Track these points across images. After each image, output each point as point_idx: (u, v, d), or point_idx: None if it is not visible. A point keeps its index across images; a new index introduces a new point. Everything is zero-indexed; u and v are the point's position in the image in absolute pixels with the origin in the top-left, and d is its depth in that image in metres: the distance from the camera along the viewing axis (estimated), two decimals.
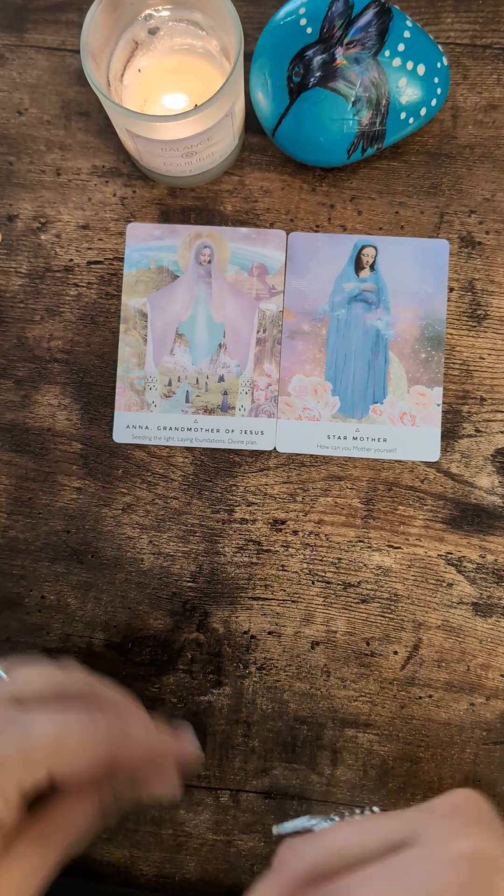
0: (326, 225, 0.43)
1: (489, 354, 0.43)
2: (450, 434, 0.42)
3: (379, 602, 0.42)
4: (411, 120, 0.41)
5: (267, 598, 0.42)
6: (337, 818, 0.30)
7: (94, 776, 0.29)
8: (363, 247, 0.43)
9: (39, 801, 0.29)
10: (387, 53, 0.39)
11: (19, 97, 0.44)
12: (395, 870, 0.24)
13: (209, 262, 0.43)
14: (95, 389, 0.43)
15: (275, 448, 0.43)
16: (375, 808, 0.32)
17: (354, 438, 0.42)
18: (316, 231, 0.43)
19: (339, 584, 0.42)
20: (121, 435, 0.43)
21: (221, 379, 0.43)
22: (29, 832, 0.28)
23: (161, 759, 0.32)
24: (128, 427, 0.43)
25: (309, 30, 0.38)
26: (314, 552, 0.42)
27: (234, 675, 0.42)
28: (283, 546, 0.42)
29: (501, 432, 0.42)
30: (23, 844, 0.28)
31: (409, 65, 0.39)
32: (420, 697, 0.41)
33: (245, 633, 0.42)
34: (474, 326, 0.43)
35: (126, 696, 0.33)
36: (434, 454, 0.42)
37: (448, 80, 0.41)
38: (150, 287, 0.43)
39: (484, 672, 0.41)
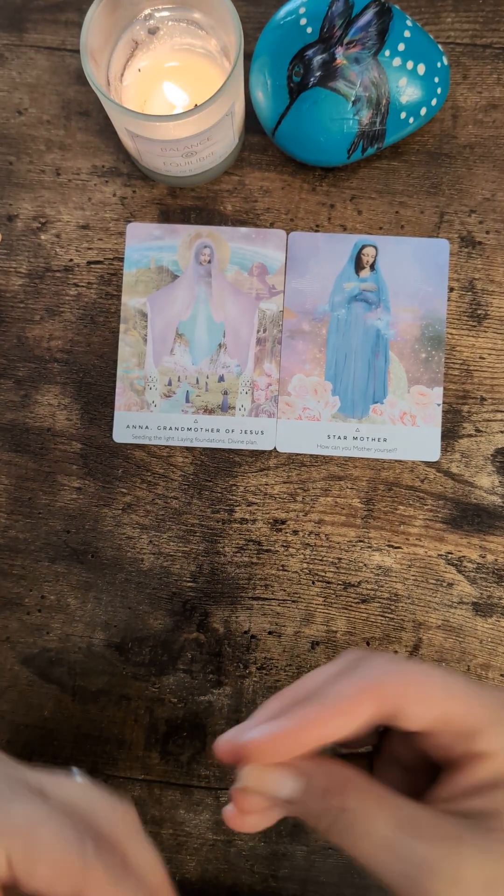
0: (326, 225, 0.43)
1: (489, 354, 0.43)
2: (450, 434, 0.42)
3: (379, 602, 0.42)
4: (411, 120, 0.41)
5: (267, 598, 0.42)
6: None
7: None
8: (363, 246, 0.43)
9: None
10: (387, 53, 0.39)
11: (19, 97, 0.44)
12: None
13: (209, 261, 0.43)
14: (95, 389, 0.43)
15: (275, 448, 0.43)
16: None
17: (354, 438, 0.42)
18: (316, 231, 0.43)
19: (339, 584, 0.42)
20: (121, 435, 0.43)
21: (221, 379, 0.43)
22: None
23: None
24: (128, 427, 0.43)
25: (309, 29, 0.38)
26: (314, 552, 0.42)
27: (234, 675, 0.42)
28: (283, 546, 0.42)
29: (501, 432, 0.42)
30: None
31: (410, 64, 0.39)
32: None
33: (245, 632, 0.42)
34: (474, 326, 0.43)
35: (159, 879, 0.26)
36: (434, 454, 0.42)
37: (448, 79, 0.41)
38: (150, 287, 0.43)
39: (484, 672, 0.41)
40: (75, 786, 0.26)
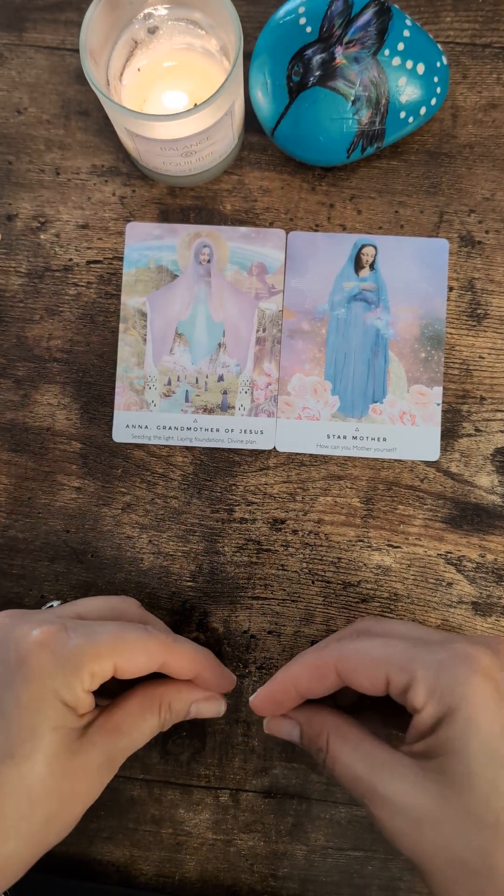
0: (326, 224, 0.43)
1: (489, 354, 0.43)
2: (449, 433, 0.42)
3: (379, 601, 0.42)
4: (411, 119, 0.41)
5: (267, 598, 0.42)
6: None
7: (149, 671, 0.33)
8: (363, 246, 0.43)
9: (108, 706, 0.34)
10: (386, 52, 0.38)
11: (18, 96, 0.44)
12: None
13: (209, 261, 0.43)
14: (95, 389, 0.43)
15: (274, 447, 0.43)
16: None
17: (354, 438, 0.42)
18: (315, 230, 0.43)
19: (338, 584, 0.42)
20: (120, 434, 0.43)
21: (221, 378, 0.43)
22: (101, 725, 0.32)
23: (206, 674, 0.35)
24: (127, 426, 0.43)
25: (308, 29, 0.38)
26: (314, 552, 0.42)
27: (234, 674, 0.42)
28: (282, 545, 0.42)
29: (501, 431, 0.42)
30: (97, 734, 0.32)
31: (409, 64, 0.39)
32: None
33: (245, 632, 0.42)
34: (474, 326, 0.43)
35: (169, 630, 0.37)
36: (434, 453, 0.42)
37: (448, 79, 0.41)
38: (150, 286, 0.43)
39: None
40: (87, 602, 0.35)
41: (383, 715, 0.35)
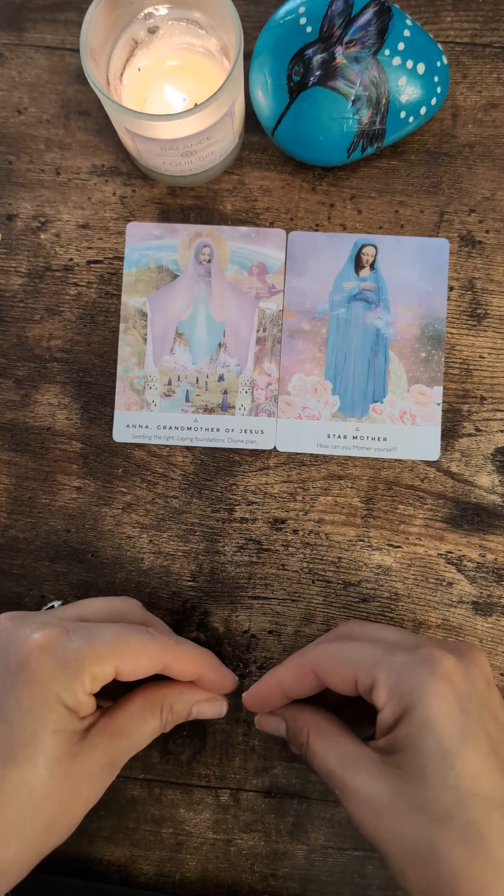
0: (326, 224, 0.43)
1: (489, 353, 0.43)
2: (450, 433, 0.42)
3: (379, 601, 0.42)
4: (411, 119, 0.41)
5: (267, 598, 0.42)
6: None
7: (151, 674, 0.33)
8: (363, 246, 0.43)
9: (109, 708, 0.34)
10: (386, 52, 0.38)
11: (18, 96, 0.44)
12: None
13: (209, 261, 0.43)
14: (95, 389, 0.43)
15: (275, 447, 0.43)
16: None
17: (354, 437, 0.42)
18: (316, 230, 0.43)
19: (339, 584, 0.42)
20: (121, 434, 0.43)
21: (221, 378, 0.43)
22: (103, 727, 0.33)
23: (208, 676, 0.36)
24: (128, 426, 0.43)
25: (309, 28, 0.38)
26: (314, 551, 0.42)
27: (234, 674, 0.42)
28: (283, 545, 0.42)
29: (501, 431, 0.42)
30: (98, 737, 0.32)
31: (409, 64, 0.39)
32: None
33: (245, 632, 0.42)
34: (474, 325, 0.43)
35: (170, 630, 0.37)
36: (434, 453, 0.42)
37: (448, 78, 0.41)
38: (150, 286, 0.43)
39: None
40: (88, 603, 0.36)
41: (369, 713, 0.36)
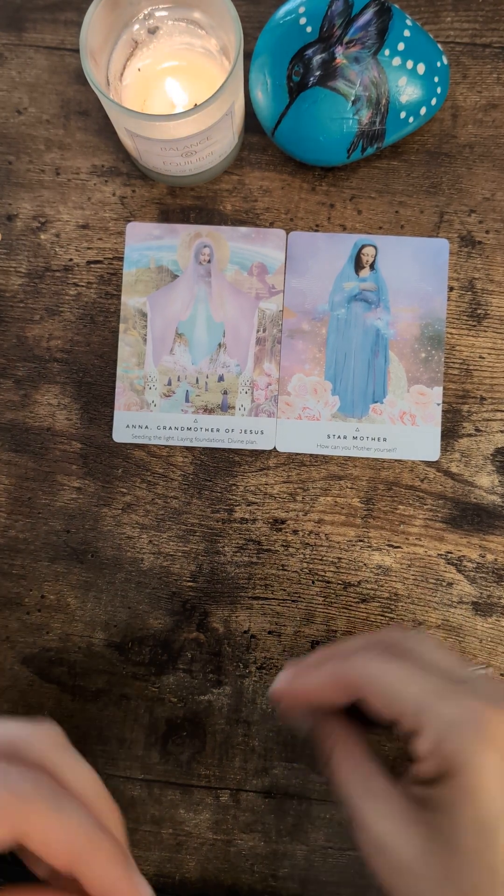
0: (326, 224, 0.43)
1: (489, 354, 0.43)
2: (450, 433, 0.42)
3: (379, 601, 0.42)
4: (411, 119, 0.40)
5: (267, 598, 0.42)
6: None
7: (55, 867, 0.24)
8: (363, 246, 0.43)
9: None
10: (386, 52, 0.38)
11: (18, 96, 0.44)
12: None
13: (209, 261, 0.43)
14: (95, 389, 0.43)
15: (275, 447, 0.43)
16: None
17: (354, 438, 0.42)
18: (316, 230, 0.43)
19: (339, 584, 0.42)
20: (120, 434, 0.43)
21: (221, 378, 0.43)
22: None
23: (94, 862, 0.24)
24: (127, 427, 0.43)
25: (308, 29, 0.38)
26: (314, 552, 0.42)
27: (234, 674, 0.42)
28: (283, 545, 0.42)
29: (501, 431, 0.42)
30: None
31: (409, 64, 0.39)
32: None
33: (245, 632, 0.42)
34: (474, 326, 0.43)
35: (100, 791, 0.28)
36: (434, 453, 0.42)
37: (448, 79, 0.41)
38: (150, 286, 0.43)
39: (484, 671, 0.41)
40: None
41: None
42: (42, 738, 0.27)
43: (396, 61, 0.39)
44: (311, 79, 0.39)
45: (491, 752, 0.27)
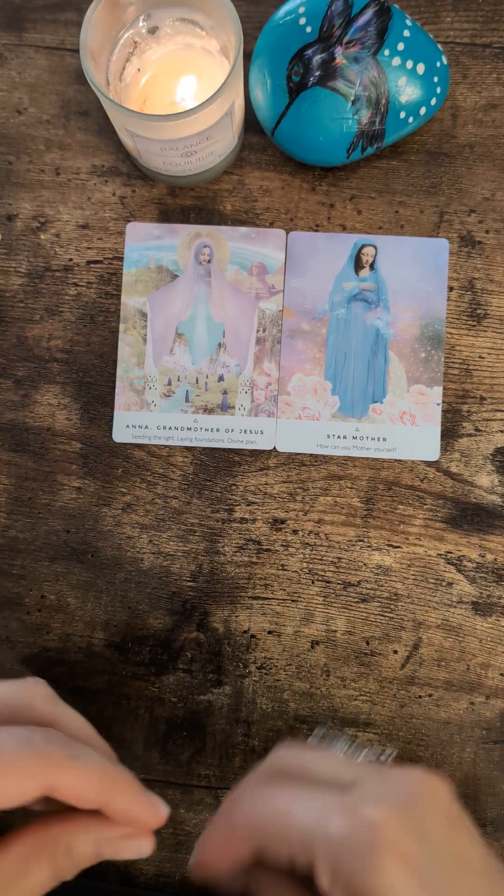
0: (326, 224, 0.43)
1: (489, 354, 0.43)
2: (449, 433, 0.42)
3: (379, 601, 0.42)
4: (411, 119, 0.41)
5: (267, 598, 0.42)
6: (342, 746, 0.30)
7: (30, 799, 0.25)
8: (363, 246, 0.43)
9: None
10: (386, 52, 0.38)
11: (18, 97, 0.44)
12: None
13: (209, 261, 0.43)
14: (95, 389, 0.43)
15: (274, 447, 0.43)
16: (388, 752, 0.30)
17: (354, 438, 0.42)
18: (315, 230, 0.43)
19: (338, 584, 0.42)
20: (120, 434, 0.43)
21: (221, 378, 0.43)
22: None
23: (119, 804, 0.27)
24: (127, 427, 0.43)
25: (308, 29, 0.38)
26: (314, 551, 0.42)
27: (234, 674, 0.42)
28: (282, 545, 0.42)
29: (501, 431, 0.42)
30: None
31: (409, 64, 0.39)
32: (420, 696, 0.41)
33: (245, 632, 0.42)
34: (474, 326, 0.43)
35: (92, 732, 0.29)
36: (434, 453, 0.42)
37: (448, 79, 0.41)
38: (150, 286, 0.43)
39: (484, 671, 0.41)
40: None
41: None
42: (35, 694, 0.28)
43: (396, 61, 0.39)
44: (311, 79, 0.39)
45: (390, 862, 0.23)
